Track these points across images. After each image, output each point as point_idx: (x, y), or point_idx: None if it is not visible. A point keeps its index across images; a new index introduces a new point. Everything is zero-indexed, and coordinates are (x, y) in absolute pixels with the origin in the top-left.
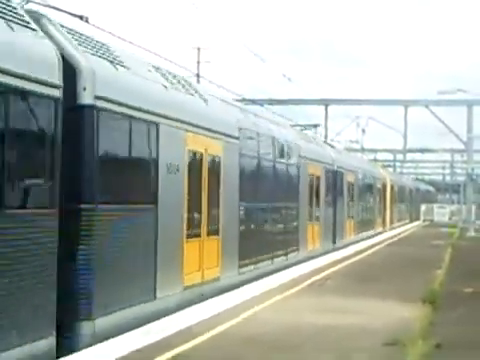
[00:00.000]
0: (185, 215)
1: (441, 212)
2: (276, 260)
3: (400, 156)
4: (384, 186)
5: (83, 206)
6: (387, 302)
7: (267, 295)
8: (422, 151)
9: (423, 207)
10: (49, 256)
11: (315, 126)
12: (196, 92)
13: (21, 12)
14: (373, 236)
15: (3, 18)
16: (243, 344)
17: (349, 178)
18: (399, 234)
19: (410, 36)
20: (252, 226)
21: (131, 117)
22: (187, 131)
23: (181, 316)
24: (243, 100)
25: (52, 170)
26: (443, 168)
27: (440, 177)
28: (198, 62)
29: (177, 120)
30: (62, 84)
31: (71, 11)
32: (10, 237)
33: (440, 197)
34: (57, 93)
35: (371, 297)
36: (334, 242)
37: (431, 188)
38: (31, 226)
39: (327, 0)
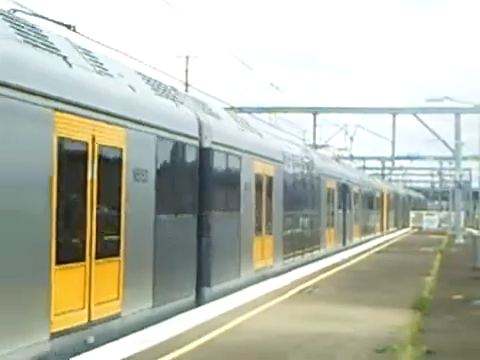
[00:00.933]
0: (254, 219)
1: (430, 219)
2: (306, 255)
3: (389, 163)
4: (382, 195)
5: (205, 213)
6: (377, 309)
7: (257, 302)
8: (410, 158)
9: (412, 214)
10: (192, 244)
11: (324, 146)
12: (256, 131)
13: (179, 94)
14: (373, 239)
15: (173, 100)
16: (229, 355)
17: (355, 190)
18: (392, 239)
19: (398, 45)
20: (291, 229)
21: (228, 153)
22: (254, 159)
23: (170, 324)
24: (231, 108)
25: (194, 191)
26: (432, 175)
27: (428, 184)
28: (186, 70)
29: (250, 153)
30: (198, 136)
31: (59, 20)
32: (179, 230)
33: (429, 204)
34: (197, 142)
35: (360, 304)
36: (344, 243)
37: (421, 196)
38: (187, 224)
39: (315, 10)
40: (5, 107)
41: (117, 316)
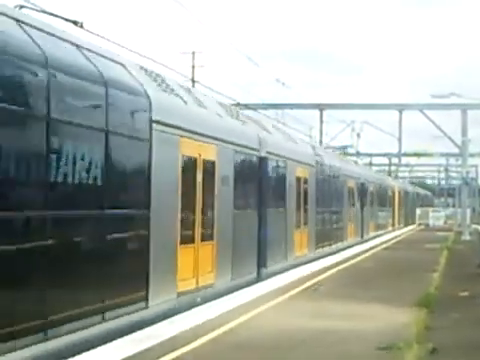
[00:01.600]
0: (295, 215)
1: (436, 216)
2: (333, 246)
3: (395, 160)
4: (393, 193)
5: (263, 209)
6: (382, 306)
7: (263, 299)
8: (417, 155)
9: (418, 211)
10: (255, 234)
11: (345, 147)
12: (295, 140)
13: (242, 115)
14: (386, 233)
15: (240, 121)
16: (234, 351)
17: (371, 188)
18: (400, 235)
19: (405, 41)
20: (321, 223)
21: (277, 160)
22: (295, 165)
23: (175, 321)
24: (237, 104)
25: (256, 191)
26: (438, 172)
27: (435, 181)
28: (193, 66)
29: (292, 159)
30: (258, 147)
31: (66, 17)
32: (247, 222)
33: (436, 201)
34: (257, 153)
35: (366, 301)
36: (362, 237)
37: (428, 192)
38: (252, 218)
39: (321, 7)
40: (166, 138)
41: (211, 285)
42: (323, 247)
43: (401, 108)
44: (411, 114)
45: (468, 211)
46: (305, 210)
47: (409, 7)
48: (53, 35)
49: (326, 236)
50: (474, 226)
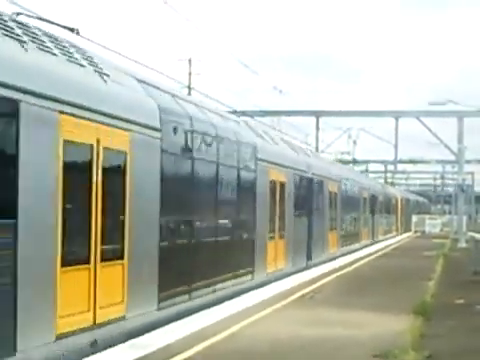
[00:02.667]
0: (328, 220)
1: (432, 223)
2: (351, 246)
3: (391, 167)
4: (396, 202)
5: (310, 216)
6: (378, 314)
7: (259, 307)
8: (413, 162)
9: (415, 218)
10: (306, 233)
11: (354, 162)
12: (329, 162)
13: (294, 144)
14: (391, 238)
15: (294, 150)
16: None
17: (380, 198)
18: (400, 240)
19: (401, 48)
20: (344, 227)
21: (319, 179)
22: (330, 181)
23: (168, 330)
24: (234, 112)
25: (308, 197)
26: (434, 179)
27: (431, 188)
28: (189, 74)
29: (328, 178)
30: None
31: (62, 24)
32: (302, 223)
33: (432, 208)
34: (306, 174)
35: (362, 309)
36: (373, 239)
37: (425, 200)
38: (304, 220)
39: (318, 14)
40: (262, 169)
41: (283, 269)
42: (345, 246)
43: (397, 115)
44: (407, 121)
45: (464, 218)
46: (334, 216)
47: (407, 15)
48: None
49: (347, 238)
50: (470, 233)
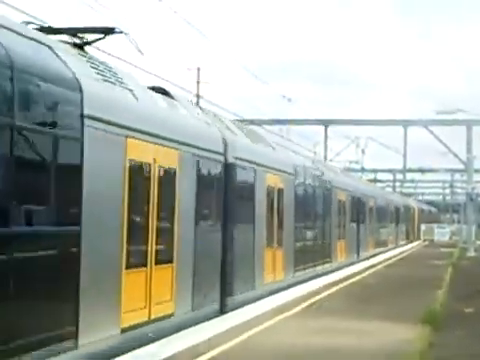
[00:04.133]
0: (364, 230)
1: (441, 232)
2: (388, 246)
3: (400, 176)
4: (413, 212)
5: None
6: (387, 323)
7: (267, 316)
8: (422, 171)
9: (423, 227)
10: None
11: (363, 170)
12: (369, 184)
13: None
14: (408, 244)
15: (350, 177)
16: None
17: (402, 210)
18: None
19: (409, 56)
20: (379, 232)
21: (360, 197)
22: (370, 198)
23: (178, 337)
24: (243, 120)
25: (350, 216)
26: (443, 188)
27: (440, 197)
28: (198, 82)
29: (366, 195)
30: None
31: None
32: (348, 231)
33: (442, 217)
34: (352, 194)
35: (370, 318)
36: (396, 244)
37: (434, 209)
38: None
39: (326, 22)
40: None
41: (389, 247)
42: (382, 246)
43: (406, 124)
44: (416, 130)
45: (473, 227)
46: (373, 226)
47: (414, 23)
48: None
49: (381, 241)
50: (479, 242)
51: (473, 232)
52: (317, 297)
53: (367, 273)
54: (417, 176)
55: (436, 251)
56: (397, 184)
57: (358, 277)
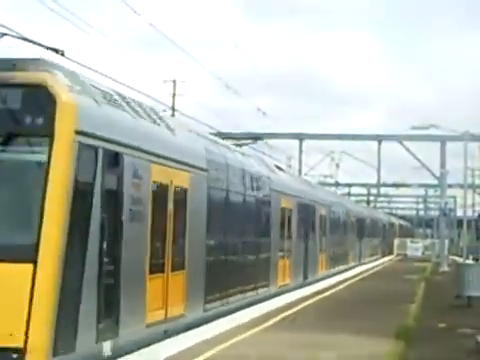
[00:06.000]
0: (373, 242)
1: (414, 247)
2: (374, 257)
3: (374, 190)
4: (393, 226)
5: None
6: (360, 337)
7: (240, 329)
8: (396, 186)
9: (396, 241)
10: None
11: (337, 185)
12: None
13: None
14: (387, 255)
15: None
16: None
17: (387, 227)
18: (380, 265)
19: (384, 72)
20: (371, 247)
21: (375, 220)
22: (368, 219)
23: (152, 350)
24: (218, 134)
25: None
26: (417, 203)
27: (414, 212)
28: (173, 95)
29: (384, 220)
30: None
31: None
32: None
33: (415, 231)
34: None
35: (344, 332)
36: (383, 256)
37: (407, 224)
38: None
39: (301, 37)
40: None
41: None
42: (372, 256)
43: (380, 139)
44: (390, 145)
45: (446, 242)
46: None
47: (389, 39)
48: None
49: (374, 251)
50: (452, 257)
51: (446, 247)
52: (290, 311)
53: (342, 286)
54: (391, 191)
55: (410, 266)
56: (371, 198)
57: (332, 290)
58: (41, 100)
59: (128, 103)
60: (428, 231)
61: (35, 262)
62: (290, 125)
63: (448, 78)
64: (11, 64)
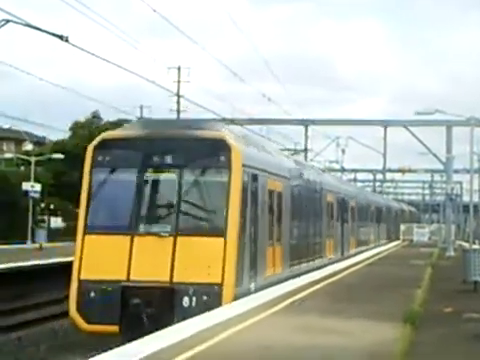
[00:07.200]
0: (383, 227)
1: (420, 232)
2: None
3: (380, 176)
4: (403, 212)
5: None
6: (367, 322)
7: (247, 314)
8: (402, 171)
9: (402, 227)
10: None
11: (343, 170)
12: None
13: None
14: (391, 242)
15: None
16: None
17: (398, 214)
18: (386, 250)
19: (390, 56)
20: (388, 232)
21: (389, 207)
22: (386, 207)
23: (159, 336)
24: (223, 120)
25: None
26: (423, 188)
27: (420, 197)
28: (178, 81)
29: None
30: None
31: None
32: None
33: (421, 217)
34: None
35: (350, 317)
36: (396, 239)
37: (414, 209)
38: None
39: (307, 23)
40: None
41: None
42: (393, 237)
43: (386, 124)
44: (396, 130)
45: (452, 227)
46: (381, 227)
47: (395, 25)
48: None
49: (392, 233)
50: (458, 242)
51: (452, 232)
52: (300, 295)
53: (347, 272)
54: (397, 176)
55: (415, 251)
56: (377, 184)
57: (339, 276)
58: (223, 148)
59: (258, 143)
60: (434, 216)
61: (225, 237)
62: (295, 111)
63: (454, 64)
64: (199, 125)
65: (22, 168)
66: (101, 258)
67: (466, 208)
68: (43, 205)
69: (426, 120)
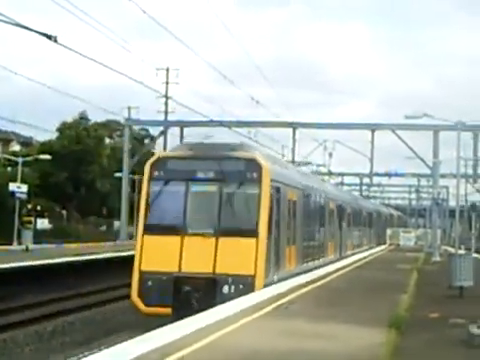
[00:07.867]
0: (373, 230)
1: (407, 236)
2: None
3: (367, 180)
4: (392, 217)
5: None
6: (353, 326)
7: (233, 318)
8: (388, 175)
9: (389, 231)
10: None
11: (330, 174)
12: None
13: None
14: (378, 246)
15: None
16: None
17: (387, 218)
18: (373, 254)
19: (377, 60)
20: (377, 236)
21: (381, 213)
22: (378, 213)
23: (146, 338)
24: (211, 122)
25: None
26: (409, 192)
27: (406, 202)
28: (167, 83)
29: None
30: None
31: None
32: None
33: (408, 221)
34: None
35: (336, 321)
36: (383, 243)
37: (401, 214)
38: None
39: (295, 27)
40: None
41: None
42: (379, 244)
43: (373, 128)
44: (384, 134)
45: (438, 232)
46: (372, 231)
47: (382, 28)
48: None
49: (380, 237)
50: (444, 247)
51: (438, 237)
52: (286, 298)
53: (335, 275)
54: (384, 180)
55: (401, 255)
56: (364, 188)
57: (327, 279)
58: (255, 166)
59: (280, 161)
60: (420, 221)
61: (257, 237)
62: (284, 114)
63: (442, 68)
64: (232, 147)
65: (9, 169)
66: (157, 254)
67: (452, 213)
68: (30, 206)
69: (413, 124)
